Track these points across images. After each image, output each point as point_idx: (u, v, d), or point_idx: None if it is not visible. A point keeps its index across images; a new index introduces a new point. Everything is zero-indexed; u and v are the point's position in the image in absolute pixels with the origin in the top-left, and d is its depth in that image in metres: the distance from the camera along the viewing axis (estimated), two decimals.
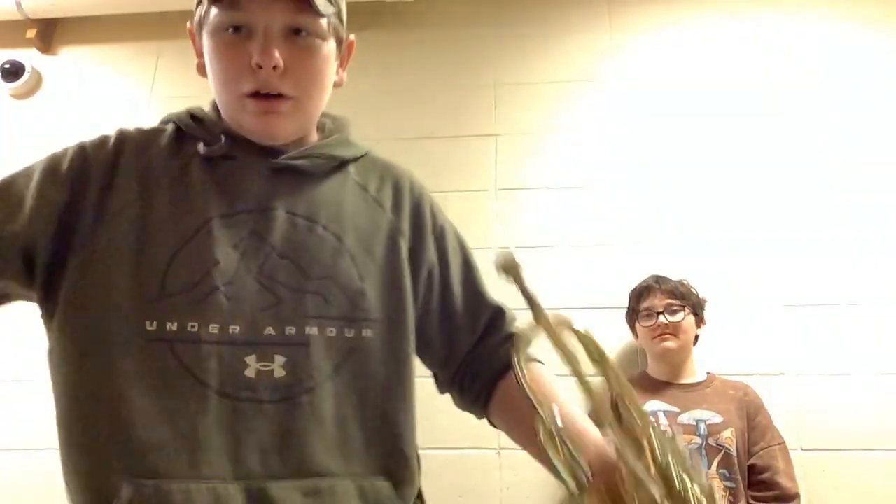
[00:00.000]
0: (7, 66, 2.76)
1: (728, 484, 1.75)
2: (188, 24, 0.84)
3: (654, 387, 1.96)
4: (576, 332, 0.62)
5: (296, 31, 0.77)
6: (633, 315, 2.08)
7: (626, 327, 2.14)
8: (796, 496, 1.79)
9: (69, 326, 0.73)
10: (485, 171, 2.43)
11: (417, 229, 0.88)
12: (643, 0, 2.67)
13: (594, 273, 2.30)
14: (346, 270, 0.78)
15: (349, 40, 0.87)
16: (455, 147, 2.49)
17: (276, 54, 0.75)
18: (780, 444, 1.87)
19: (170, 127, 0.85)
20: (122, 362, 0.70)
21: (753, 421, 1.88)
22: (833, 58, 2.52)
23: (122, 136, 0.82)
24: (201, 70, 0.84)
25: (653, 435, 0.54)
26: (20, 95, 2.77)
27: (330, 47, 0.81)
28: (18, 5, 2.68)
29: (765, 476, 1.80)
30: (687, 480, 0.53)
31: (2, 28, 2.80)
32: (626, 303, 2.13)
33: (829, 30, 2.56)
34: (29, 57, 2.79)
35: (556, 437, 0.59)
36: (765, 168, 2.38)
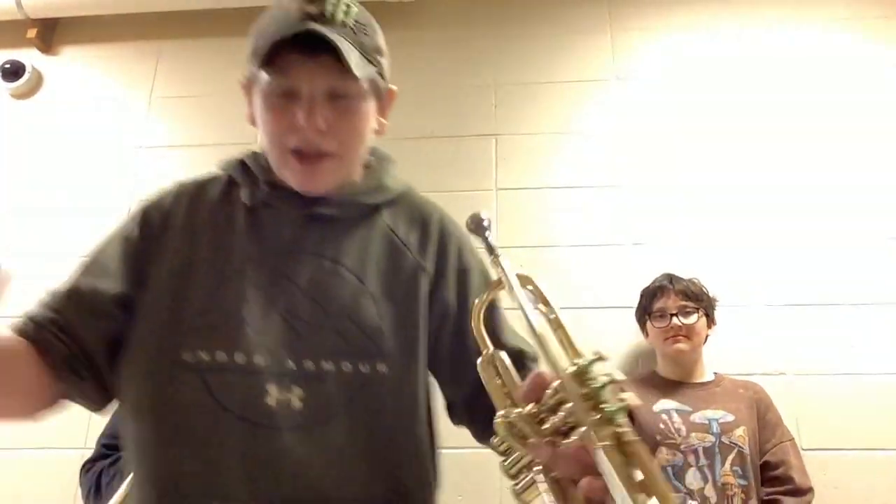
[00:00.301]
0: (7, 66, 2.76)
1: (741, 482, 1.76)
2: (242, 78, 0.93)
3: (665, 386, 1.96)
4: (536, 288, 0.67)
5: (336, 95, 0.83)
6: (644, 314, 2.06)
7: (625, 328, 2.14)
8: (810, 490, 1.80)
9: (122, 360, 0.83)
10: (485, 171, 2.43)
11: (440, 268, 0.90)
12: (643, 0, 2.67)
13: (594, 273, 2.30)
14: (365, 309, 0.83)
15: (389, 91, 0.93)
16: (455, 147, 2.49)
17: (319, 118, 0.81)
18: (790, 440, 1.88)
19: (223, 175, 0.94)
20: (160, 389, 0.78)
21: (764, 419, 1.88)
22: (843, 56, 2.52)
23: (179, 191, 0.94)
24: (251, 120, 0.93)
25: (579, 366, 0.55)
26: (20, 95, 2.77)
27: (369, 105, 0.87)
28: (18, 5, 2.68)
29: (778, 472, 1.81)
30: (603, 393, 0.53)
31: (2, 28, 2.80)
32: (627, 303, 2.13)
33: (832, 28, 2.56)
34: (29, 57, 2.79)
35: (497, 365, 0.66)
36: (765, 167, 2.39)
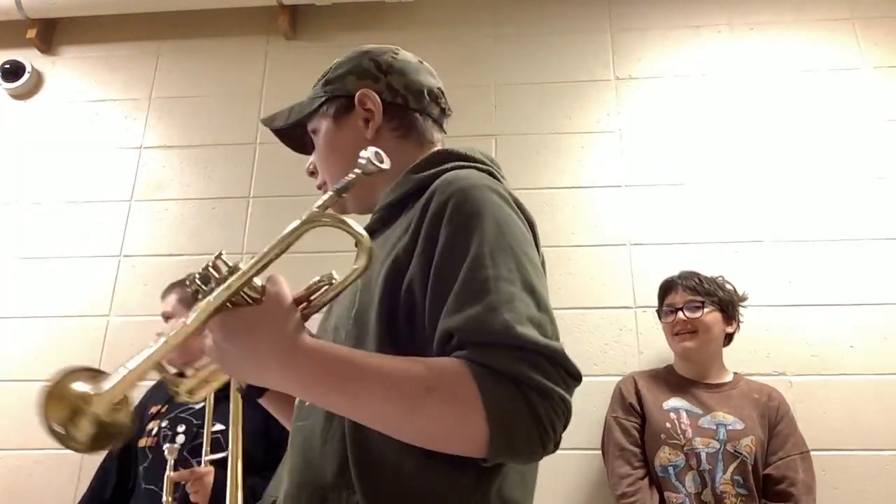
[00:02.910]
0: (7, 66, 2.76)
1: (741, 491, 1.73)
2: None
3: (679, 385, 1.92)
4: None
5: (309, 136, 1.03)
6: (658, 311, 2.05)
7: (625, 327, 2.14)
8: None
9: None
10: None
11: (413, 235, 0.81)
12: (643, 0, 2.67)
13: (594, 273, 2.30)
14: (352, 300, 0.84)
15: (355, 97, 0.97)
16: (455, 147, 2.48)
17: (308, 164, 1.03)
18: (801, 453, 1.82)
19: None
20: None
21: (775, 429, 1.84)
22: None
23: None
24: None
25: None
26: (20, 95, 2.77)
27: (326, 127, 0.99)
28: (18, 5, 2.68)
29: (781, 487, 1.77)
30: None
31: (2, 28, 2.80)
32: (627, 303, 2.14)
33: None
34: (29, 57, 2.79)
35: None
36: (766, 167, 2.39)
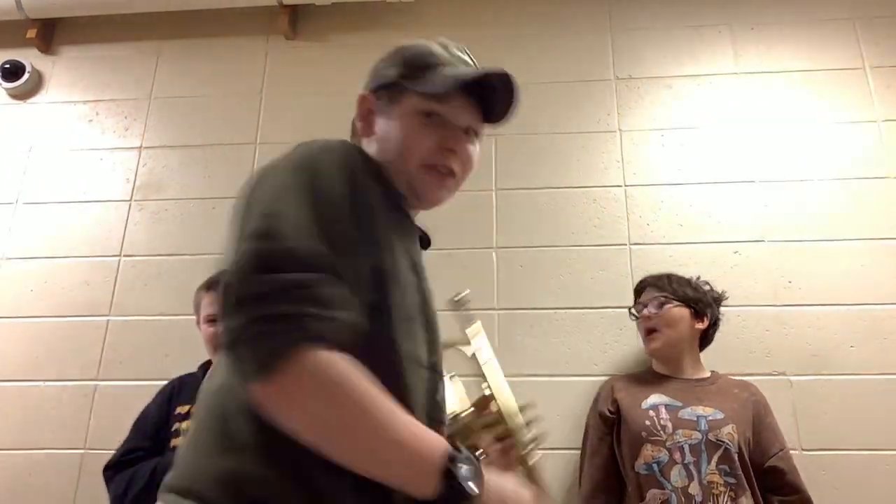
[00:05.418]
0: (7, 66, 2.76)
1: (729, 480, 1.73)
2: (363, 92, 1.02)
3: (657, 380, 1.94)
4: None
5: (468, 130, 1.00)
6: (630, 312, 2.08)
7: (625, 327, 2.15)
8: (810, 499, 1.81)
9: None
10: (485, 172, 2.43)
11: None
12: (643, 0, 2.67)
13: (595, 273, 2.30)
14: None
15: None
16: None
17: (468, 146, 0.99)
18: (788, 446, 1.88)
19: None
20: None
21: (763, 422, 1.86)
22: None
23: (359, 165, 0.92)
24: (365, 131, 1.01)
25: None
26: (20, 95, 2.77)
27: (478, 147, 1.03)
28: (18, 5, 2.68)
29: (788, 479, 1.80)
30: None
31: (2, 28, 2.80)
32: (627, 303, 2.14)
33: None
34: (29, 57, 2.79)
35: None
36: (766, 168, 2.39)
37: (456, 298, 1.05)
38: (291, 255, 0.73)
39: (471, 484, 0.74)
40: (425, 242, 1.04)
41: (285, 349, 0.69)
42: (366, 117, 1.01)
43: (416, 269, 0.90)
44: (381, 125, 0.99)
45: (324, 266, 0.73)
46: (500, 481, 0.79)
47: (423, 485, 0.73)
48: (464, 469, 0.74)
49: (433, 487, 0.72)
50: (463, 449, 0.77)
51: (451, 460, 0.74)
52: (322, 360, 0.70)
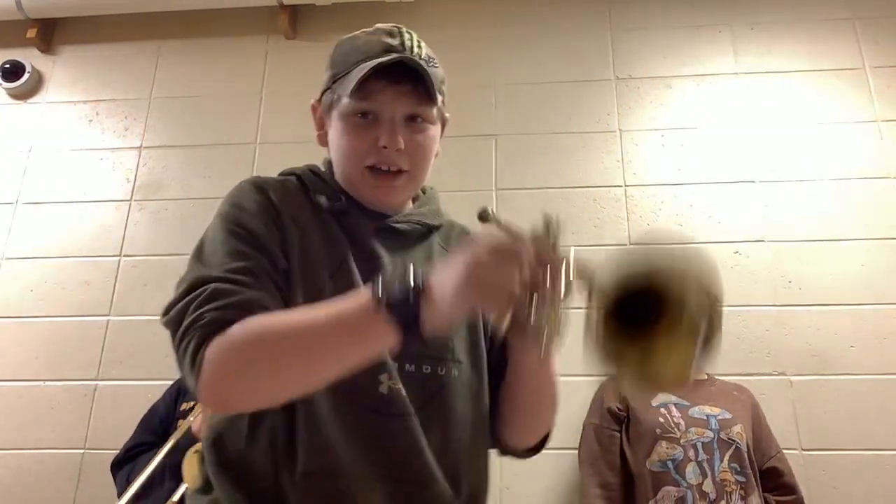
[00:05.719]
0: (7, 66, 2.76)
1: (739, 478, 1.75)
2: (313, 100, 0.99)
3: None
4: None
5: (412, 118, 0.93)
6: None
7: None
8: (803, 500, 1.83)
9: None
10: (485, 171, 2.43)
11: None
12: (643, 0, 2.67)
13: None
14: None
15: (446, 118, 1.01)
16: (455, 147, 2.48)
17: (400, 139, 0.91)
18: (783, 448, 1.90)
19: (293, 180, 0.97)
20: None
21: (761, 424, 1.89)
22: None
23: (272, 184, 0.95)
24: (321, 140, 0.99)
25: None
26: (20, 95, 2.77)
27: (436, 130, 0.97)
28: (18, 5, 2.68)
29: (785, 480, 1.83)
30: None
31: (2, 28, 2.80)
32: None
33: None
34: (29, 57, 2.79)
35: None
36: (766, 168, 2.39)
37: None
38: (202, 277, 0.82)
39: (406, 285, 0.72)
40: (425, 233, 0.99)
41: (193, 357, 0.75)
42: (320, 126, 0.99)
43: (346, 268, 0.88)
44: (330, 133, 0.97)
45: (232, 272, 0.82)
46: (441, 266, 0.74)
47: (380, 328, 0.72)
48: (390, 285, 0.72)
49: (385, 318, 0.71)
50: (384, 273, 0.80)
51: (374, 289, 0.73)
52: (224, 340, 0.75)
